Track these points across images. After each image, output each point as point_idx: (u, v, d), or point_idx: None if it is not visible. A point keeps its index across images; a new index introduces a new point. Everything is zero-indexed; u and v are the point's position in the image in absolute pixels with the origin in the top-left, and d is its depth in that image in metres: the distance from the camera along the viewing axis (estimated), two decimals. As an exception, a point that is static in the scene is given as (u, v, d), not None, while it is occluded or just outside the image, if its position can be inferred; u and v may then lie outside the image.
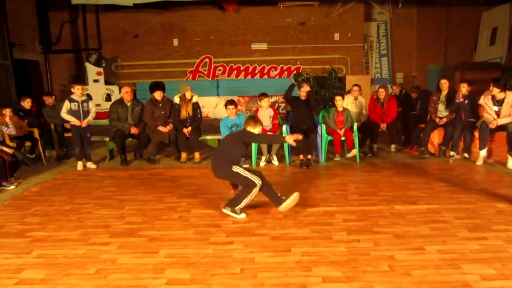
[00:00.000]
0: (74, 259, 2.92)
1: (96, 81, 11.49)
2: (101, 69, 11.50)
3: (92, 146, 6.33)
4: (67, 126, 6.20)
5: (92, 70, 11.43)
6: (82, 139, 5.91)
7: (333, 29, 12.51)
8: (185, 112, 6.19)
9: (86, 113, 5.98)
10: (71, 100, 5.90)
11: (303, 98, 6.08)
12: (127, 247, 3.11)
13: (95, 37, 12.06)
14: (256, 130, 3.87)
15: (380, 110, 6.53)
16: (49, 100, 6.88)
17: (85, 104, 5.98)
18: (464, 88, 5.86)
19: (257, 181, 3.68)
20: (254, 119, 3.97)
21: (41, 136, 6.59)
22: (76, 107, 5.90)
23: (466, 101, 5.85)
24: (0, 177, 4.90)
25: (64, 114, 5.90)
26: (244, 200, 3.69)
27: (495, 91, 5.50)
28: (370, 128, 6.46)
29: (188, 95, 6.16)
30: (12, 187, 4.95)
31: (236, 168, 3.73)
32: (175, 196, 4.45)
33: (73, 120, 5.86)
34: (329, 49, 12.63)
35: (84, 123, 5.91)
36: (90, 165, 5.99)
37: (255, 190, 3.68)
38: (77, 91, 5.91)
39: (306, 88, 5.88)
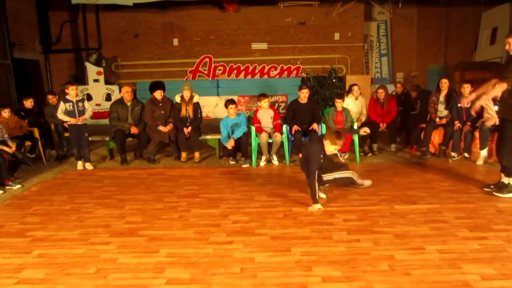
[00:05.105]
0: (74, 258, 2.92)
1: (96, 80, 11.51)
2: (101, 69, 11.51)
3: (92, 146, 6.31)
4: (66, 126, 6.20)
5: (92, 70, 11.44)
6: (80, 139, 5.90)
7: (333, 28, 12.50)
8: (185, 111, 6.19)
9: (82, 112, 5.94)
10: (66, 101, 5.89)
11: (303, 101, 6.07)
12: (127, 247, 3.11)
13: (95, 37, 12.06)
14: (331, 148, 3.85)
15: (380, 111, 6.54)
16: (53, 100, 6.87)
17: (80, 104, 5.95)
18: (467, 89, 5.85)
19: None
20: (338, 135, 3.82)
21: (41, 136, 6.59)
22: (71, 107, 5.88)
23: (469, 104, 5.83)
24: (3, 176, 4.91)
25: (60, 115, 5.90)
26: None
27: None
28: (370, 128, 6.45)
29: (186, 94, 6.16)
30: (18, 186, 4.96)
31: None
32: (175, 196, 4.45)
33: (69, 119, 5.87)
34: (329, 48, 12.63)
35: (80, 120, 5.89)
36: (87, 166, 5.97)
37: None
38: (71, 92, 5.90)
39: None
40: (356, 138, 5.99)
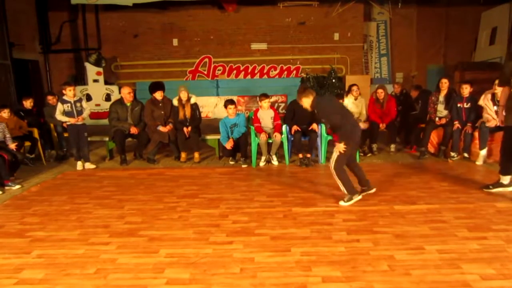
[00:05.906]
0: (73, 259, 2.92)
1: (95, 81, 11.51)
2: (100, 69, 11.50)
3: (92, 146, 6.31)
4: (65, 126, 6.20)
5: (91, 70, 11.44)
6: (79, 139, 5.90)
7: (333, 29, 12.51)
8: (183, 114, 6.19)
9: (80, 113, 5.96)
10: (63, 102, 5.90)
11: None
12: (126, 247, 3.11)
13: (94, 37, 12.05)
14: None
15: (380, 111, 6.54)
16: (52, 100, 6.88)
17: (78, 104, 5.97)
18: (466, 90, 5.85)
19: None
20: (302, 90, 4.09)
21: (40, 136, 6.58)
22: (69, 107, 5.89)
23: (468, 104, 5.84)
24: (3, 177, 4.91)
25: (58, 116, 5.92)
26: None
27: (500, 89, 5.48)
28: (370, 128, 6.46)
29: (182, 96, 6.16)
30: (17, 186, 4.96)
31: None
32: (175, 196, 4.45)
33: (68, 119, 5.87)
34: (329, 49, 12.64)
35: (80, 119, 5.90)
36: (88, 165, 5.97)
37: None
38: (68, 92, 5.91)
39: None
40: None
